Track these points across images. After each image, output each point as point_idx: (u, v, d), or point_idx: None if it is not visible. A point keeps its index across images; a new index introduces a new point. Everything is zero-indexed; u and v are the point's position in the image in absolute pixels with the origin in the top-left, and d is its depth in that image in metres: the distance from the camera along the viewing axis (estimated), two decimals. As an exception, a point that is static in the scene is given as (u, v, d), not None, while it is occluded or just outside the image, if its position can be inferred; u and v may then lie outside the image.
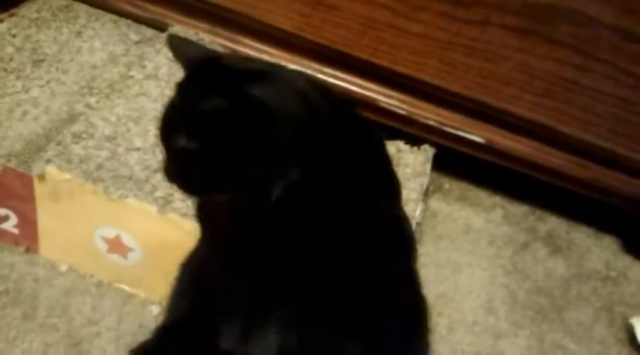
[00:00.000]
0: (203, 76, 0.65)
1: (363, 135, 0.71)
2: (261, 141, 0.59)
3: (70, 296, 0.82)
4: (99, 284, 0.83)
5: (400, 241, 0.68)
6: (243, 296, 0.57)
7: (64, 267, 0.84)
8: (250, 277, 0.59)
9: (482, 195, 1.12)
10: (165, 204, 0.75)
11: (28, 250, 0.85)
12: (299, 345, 0.58)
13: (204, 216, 0.71)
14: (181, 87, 0.68)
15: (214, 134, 0.61)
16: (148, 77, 0.91)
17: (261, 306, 0.56)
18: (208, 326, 0.59)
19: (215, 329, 0.57)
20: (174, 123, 0.66)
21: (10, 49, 0.93)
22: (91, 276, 0.84)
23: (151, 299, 0.83)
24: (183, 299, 0.66)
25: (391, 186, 0.71)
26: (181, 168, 0.67)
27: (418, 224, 0.87)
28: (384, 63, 0.95)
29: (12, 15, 0.99)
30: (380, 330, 0.60)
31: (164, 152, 0.68)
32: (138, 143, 0.81)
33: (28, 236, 0.84)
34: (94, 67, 0.95)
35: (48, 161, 0.76)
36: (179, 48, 0.69)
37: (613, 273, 1.05)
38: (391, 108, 1.00)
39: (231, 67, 0.64)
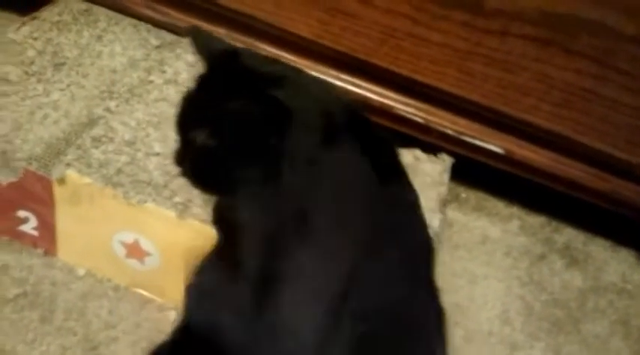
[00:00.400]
0: (226, 73, 0.66)
1: (376, 145, 0.71)
2: (279, 145, 0.59)
3: (88, 300, 0.82)
4: (116, 289, 0.84)
5: (418, 251, 0.67)
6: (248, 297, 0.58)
7: (81, 271, 0.85)
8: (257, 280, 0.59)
9: (499, 206, 1.12)
10: (184, 209, 0.75)
11: (46, 253, 0.85)
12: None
13: (219, 218, 0.72)
14: (203, 81, 0.68)
15: (235, 134, 0.61)
16: (167, 82, 0.91)
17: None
18: (219, 326, 0.59)
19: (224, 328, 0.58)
20: (195, 119, 0.66)
21: (31, 53, 0.94)
22: (109, 280, 0.84)
23: (168, 305, 0.83)
24: (196, 303, 0.66)
25: (406, 194, 0.72)
26: (196, 163, 0.68)
27: (436, 234, 0.87)
28: (404, 71, 0.94)
29: (34, 18, 0.99)
30: None
31: (179, 142, 0.69)
32: (157, 148, 0.81)
33: (46, 239, 0.84)
34: (114, 71, 0.95)
35: (68, 165, 0.77)
36: (200, 41, 0.69)
37: (629, 286, 1.04)
38: (409, 116, 1.00)
39: (254, 67, 0.64)
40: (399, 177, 0.70)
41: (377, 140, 0.70)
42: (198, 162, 0.65)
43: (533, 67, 0.90)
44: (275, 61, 0.75)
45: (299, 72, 0.71)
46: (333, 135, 0.62)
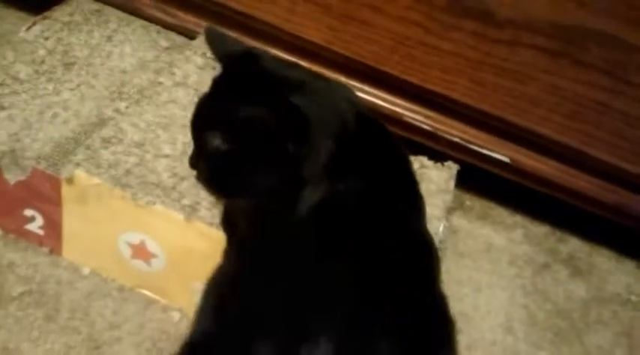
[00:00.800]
0: (243, 76, 0.65)
1: (389, 152, 0.71)
2: (296, 153, 0.59)
3: (92, 300, 0.82)
4: (121, 289, 0.84)
5: (425, 260, 0.67)
6: (273, 311, 0.56)
7: (86, 270, 0.85)
8: (274, 291, 0.58)
9: (504, 214, 1.12)
10: (191, 212, 0.75)
11: (51, 251, 0.86)
12: None
13: (229, 223, 0.71)
14: (218, 84, 0.68)
15: (251, 140, 0.61)
16: (177, 84, 0.91)
17: (293, 323, 0.55)
18: (238, 344, 0.57)
19: (246, 346, 0.55)
20: (210, 122, 0.66)
21: (42, 52, 0.94)
22: (113, 280, 0.84)
23: (172, 306, 0.83)
24: (210, 316, 0.61)
25: (416, 203, 0.72)
26: (209, 166, 0.68)
27: (441, 241, 0.87)
28: (414, 80, 0.95)
29: (45, 18, 1.00)
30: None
31: (193, 144, 0.68)
32: (166, 150, 0.81)
33: (52, 237, 0.84)
34: (124, 72, 0.95)
35: (77, 165, 0.77)
36: (216, 42, 0.69)
37: (633, 298, 1.04)
38: (417, 123, 1.00)
39: (272, 71, 0.64)
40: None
41: (391, 148, 0.69)
42: (212, 165, 0.65)
43: (543, 78, 0.90)
44: (294, 65, 0.74)
45: (318, 77, 0.71)
46: (347, 143, 0.62)
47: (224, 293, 0.59)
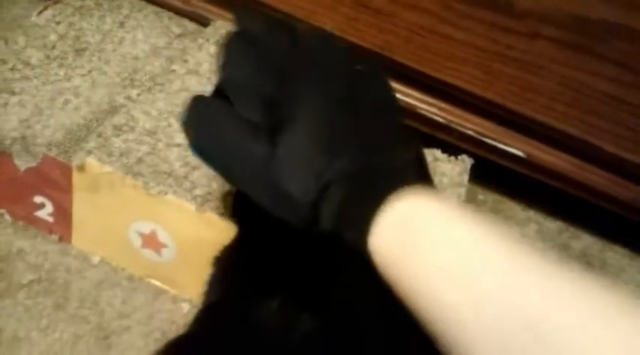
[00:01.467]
0: None
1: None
2: None
3: (102, 289, 0.82)
4: (130, 278, 0.83)
5: None
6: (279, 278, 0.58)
7: (96, 259, 0.84)
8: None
9: (516, 209, 1.10)
10: (203, 202, 0.75)
11: (61, 239, 0.85)
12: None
13: (241, 210, 0.71)
14: None
15: None
16: (189, 72, 0.90)
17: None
18: (243, 305, 0.60)
19: (250, 305, 0.58)
20: None
21: (53, 37, 0.93)
22: (123, 270, 0.84)
23: (182, 296, 0.82)
24: (218, 285, 0.66)
25: None
26: None
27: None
28: (428, 70, 0.93)
29: (57, 2, 0.99)
30: None
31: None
32: (178, 139, 0.80)
33: (62, 225, 0.84)
34: (136, 58, 0.94)
35: (89, 152, 0.76)
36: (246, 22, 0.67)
37: (646, 295, 1.03)
38: (430, 115, 0.99)
39: None
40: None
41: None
42: None
43: (561, 72, 0.88)
44: None
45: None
46: None
47: (231, 267, 0.64)
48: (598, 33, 0.85)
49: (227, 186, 0.76)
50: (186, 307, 0.82)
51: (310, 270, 0.61)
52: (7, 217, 0.85)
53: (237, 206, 0.73)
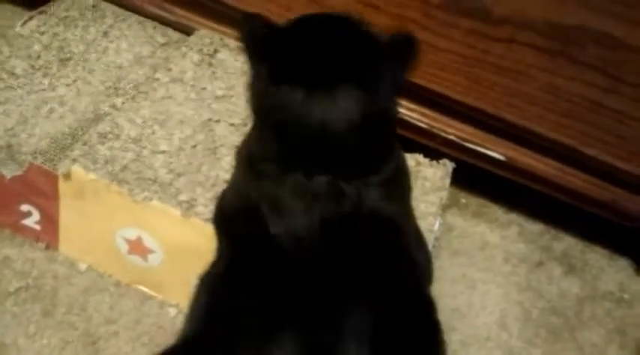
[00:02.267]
0: None
1: None
2: None
3: (89, 295, 0.82)
4: (117, 284, 0.84)
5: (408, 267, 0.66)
6: (255, 315, 0.56)
7: (83, 266, 0.85)
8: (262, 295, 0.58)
9: (499, 212, 1.12)
10: (188, 207, 0.76)
11: (48, 247, 0.85)
12: None
13: (222, 222, 0.70)
14: None
15: None
16: (173, 80, 0.91)
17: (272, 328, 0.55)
18: (223, 343, 0.57)
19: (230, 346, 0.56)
20: None
21: (37, 47, 0.94)
22: (110, 276, 0.85)
23: (169, 302, 0.83)
24: (200, 312, 0.62)
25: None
26: None
27: (436, 238, 0.87)
28: (412, 78, 0.95)
29: (41, 12, 1.00)
30: None
31: None
32: (163, 146, 0.81)
33: (49, 233, 0.84)
34: (120, 67, 0.95)
35: (74, 160, 0.77)
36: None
37: (627, 296, 1.05)
38: (413, 121, 1.00)
39: None
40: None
41: None
42: None
43: (540, 77, 0.90)
44: None
45: None
46: None
47: (213, 293, 0.60)
48: (574, 39, 0.87)
49: (212, 192, 0.77)
50: (173, 312, 0.82)
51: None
52: (-6, 226, 0.86)
53: (219, 219, 0.71)
